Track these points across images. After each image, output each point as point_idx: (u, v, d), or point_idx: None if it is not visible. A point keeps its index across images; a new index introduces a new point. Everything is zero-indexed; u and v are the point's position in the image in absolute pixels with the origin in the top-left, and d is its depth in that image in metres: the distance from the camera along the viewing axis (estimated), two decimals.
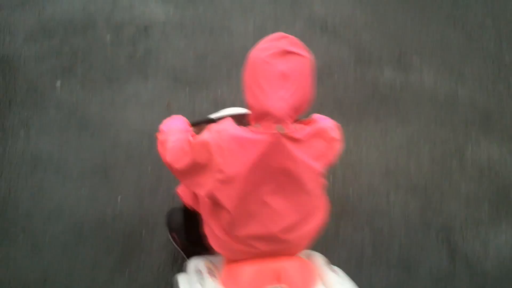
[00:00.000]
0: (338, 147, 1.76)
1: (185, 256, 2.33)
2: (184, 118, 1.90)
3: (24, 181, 2.61)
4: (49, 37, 3.31)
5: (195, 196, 1.94)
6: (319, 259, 1.87)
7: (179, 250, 2.38)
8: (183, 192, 2.05)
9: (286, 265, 1.72)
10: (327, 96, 3.23)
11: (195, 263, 1.90)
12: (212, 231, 1.81)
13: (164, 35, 3.46)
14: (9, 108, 2.82)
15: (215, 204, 1.72)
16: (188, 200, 2.01)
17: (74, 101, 2.92)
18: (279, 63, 1.56)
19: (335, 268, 1.84)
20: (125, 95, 3.01)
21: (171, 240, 2.42)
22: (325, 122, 1.71)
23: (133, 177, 2.66)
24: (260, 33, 3.70)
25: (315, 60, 3.49)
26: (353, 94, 3.28)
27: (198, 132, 1.77)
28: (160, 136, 1.84)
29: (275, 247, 1.76)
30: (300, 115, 1.61)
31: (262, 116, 1.58)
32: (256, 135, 1.59)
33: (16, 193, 2.56)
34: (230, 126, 1.62)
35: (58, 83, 2.99)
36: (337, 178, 2.74)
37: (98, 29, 3.44)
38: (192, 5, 3.80)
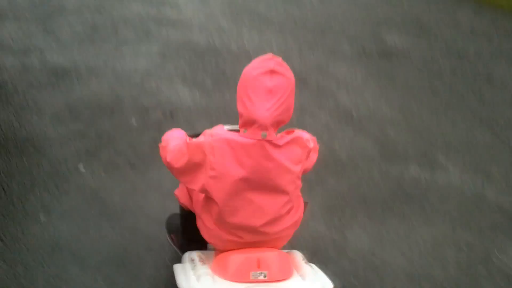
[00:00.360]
0: (313, 156, 2.16)
1: (181, 253, 2.50)
2: (183, 131, 2.22)
3: (40, 267, 2.56)
4: (75, 118, 3.33)
5: (190, 196, 2.28)
6: (297, 255, 2.16)
7: (176, 249, 2.62)
8: (180, 193, 2.35)
9: (266, 255, 1.99)
10: (351, 191, 3.17)
11: (189, 254, 2.20)
12: (204, 224, 2.11)
13: (189, 121, 3.46)
14: (31, 190, 2.79)
15: (207, 198, 2.05)
16: (184, 201, 2.32)
17: (96, 186, 2.90)
18: (267, 80, 1.86)
19: (311, 264, 2.09)
20: (147, 182, 2.98)
21: (169, 241, 2.67)
22: (302, 133, 2.02)
23: (151, 269, 2.60)
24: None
25: (340, 151, 3.47)
26: (378, 190, 3.23)
27: None
28: (162, 144, 2.16)
29: (257, 238, 2.04)
30: (282, 125, 1.90)
31: (249, 123, 1.88)
32: (244, 139, 1.88)
33: (32, 279, 2.51)
34: (221, 130, 1.93)
35: (81, 167, 2.98)
36: (360, 281, 2.66)
37: (124, 112, 3.46)
38: (219, 91, 3.83)
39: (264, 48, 4.59)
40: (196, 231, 2.19)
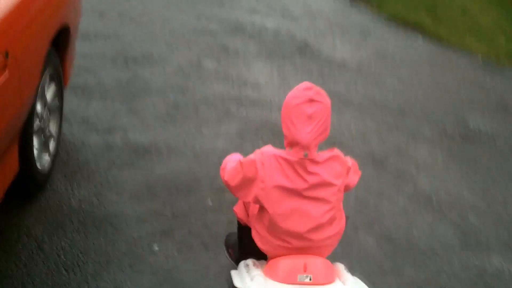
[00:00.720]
0: (355, 177, 2.49)
1: (235, 262, 2.88)
2: (239, 154, 2.59)
3: None
4: (153, 197, 3.39)
5: (246, 211, 2.65)
6: (340, 266, 2.43)
7: (233, 262, 2.91)
8: (238, 209, 2.71)
9: (312, 260, 2.30)
10: (430, 283, 3.05)
11: (244, 261, 2.52)
12: (257, 232, 2.44)
13: None
14: (105, 268, 2.83)
15: (260, 209, 2.40)
16: (241, 215, 2.69)
17: (169, 267, 2.91)
18: (307, 108, 2.23)
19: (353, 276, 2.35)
20: (220, 264, 2.97)
21: (227, 256, 3.00)
22: (340, 153, 2.37)
23: None
24: (363, 207, 3.64)
25: (418, 238, 3.36)
26: (457, 282, 3.09)
27: None
28: (222, 166, 2.55)
29: (304, 244, 2.33)
30: (321, 143, 2.27)
31: (294, 144, 2.26)
32: (289, 156, 2.26)
33: None
34: (270, 148, 2.33)
35: (156, 247, 3.01)
36: None
37: (201, 193, 3.50)
38: None
39: (342, 129, 4.58)
40: (251, 244, 2.49)
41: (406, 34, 6.71)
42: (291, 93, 2.31)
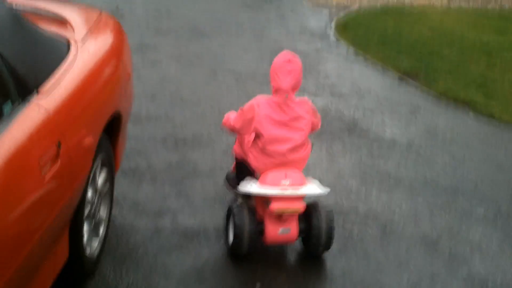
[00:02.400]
0: (317, 119, 3.69)
1: (235, 192, 4.03)
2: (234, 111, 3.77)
3: None
4: (201, 283, 3.39)
5: (241, 147, 3.80)
6: (309, 177, 3.71)
7: (233, 189, 4.10)
8: (236, 147, 3.92)
9: (290, 171, 3.52)
10: None
11: (245, 180, 3.68)
12: (253, 155, 3.60)
13: None
14: None
15: (256, 136, 3.57)
16: (239, 151, 3.86)
17: None
18: (287, 65, 3.47)
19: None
20: None
21: (226, 187, 4.28)
22: (308, 99, 3.63)
23: None
24: None
25: None
26: None
27: None
28: (224, 121, 3.83)
29: (285, 159, 3.53)
30: (296, 91, 3.53)
31: (278, 90, 3.47)
32: (275, 99, 3.49)
33: None
34: (262, 95, 3.57)
35: None
36: None
37: (250, 275, 3.48)
38: (345, 256, 3.76)
39: (392, 208, 4.51)
40: (245, 173, 3.72)
41: (457, 111, 6.64)
42: (276, 57, 3.54)
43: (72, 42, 3.30)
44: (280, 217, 3.49)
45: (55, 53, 3.05)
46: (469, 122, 6.39)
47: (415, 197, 4.73)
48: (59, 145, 2.59)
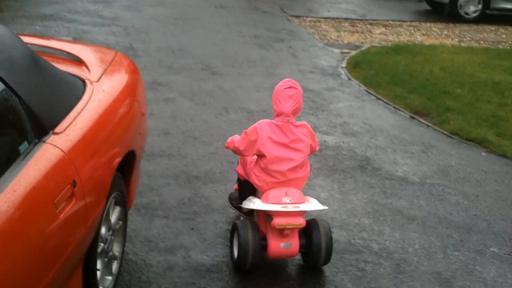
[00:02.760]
0: (315, 141, 4.01)
1: (238, 211, 4.40)
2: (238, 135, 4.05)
3: None
4: None
5: (243, 168, 4.14)
6: (308, 196, 3.99)
7: (235, 209, 4.46)
8: (238, 169, 4.25)
9: (291, 189, 3.82)
10: None
11: (248, 198, 4.01)
12: (256, 175, 3.89)
13: None
14: None
15: (258, 158, 3.87)
16: (241, 172, 4.19)
17: None
18: (288, 91, 3.78)
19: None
20: None
21: (230, 205, 4.58)
22: (308, 125, 3.96)
23: None
24: None
25: None
26: None
27: None
28: (227, 145, 4.12)
29: (285, 179, 3.81)
30: (297, 115, 3.85)
31: (280, 114, 3.80)
32: (277, 122, 3.80)
33: None
34: (265, 120, 3.86)
35: None
36: None
37: None
38: None
39: (405, 245, 4.50)
40: (248, 192, 4.08)
41: (469, 150, 6.65)
42: (278, 85, 3.88)
43: (87, 82, 3.36)
44: (282, 232, 3.77)
45: (71, 93, 3.11)
46: (481, 161, 6.38)
47: (429, 235, 4.71)
48: (74, 184, 2.63)
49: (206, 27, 11.07)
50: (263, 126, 3.79)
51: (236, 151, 3.96)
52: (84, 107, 3.07)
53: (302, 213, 3.79)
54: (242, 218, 4.22)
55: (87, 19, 10.49)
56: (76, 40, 8.93)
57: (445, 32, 12.83)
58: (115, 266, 3.49)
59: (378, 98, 8.10)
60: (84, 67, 3.62)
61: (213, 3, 13.21)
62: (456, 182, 5.78)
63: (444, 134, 7.03)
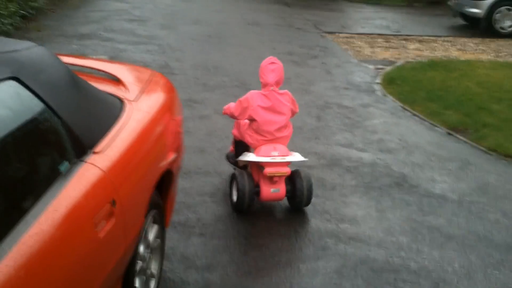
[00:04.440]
0: (295, 105, 4.98)
1: (235, 165, 5.30)
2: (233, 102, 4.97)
3: None
4: None
5: (239, 131, 5.03)
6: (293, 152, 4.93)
7: (233, 164, 5.35)
8: (234, 131, 5.16)
9: (278, 145, 4.76)
10: None
11: (243, 153, 4.96)
12: (248, 134, 4.86)
13: None
14: None
15: (250, 122, 4.83)
16: (237, 133, 5.09)
17: None
18: (270, 66, 4.75)
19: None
20: None
21: (228, 162, 5.52)
22: (289, 93, 4.92)
23: None
24: None
25: None
26: None
27: None
28: (225, 111, 5.10)
29: (273, 137, 4.77)
30: (280, 85, 4.79)
31: (265, 84, 4.76)
32: (264, 92, 4.76)
33: None
34: (254, 91, 4.80)
35: None
36: None
37: None
38: None
39: (444, 265, 4.42)
40: (242, 150, 5.01)
41: (508, 167, 6.52)
42: (263, 62, 4.79)
43: (125, 101, 3.40)
44: (271, 180, 4.74)
45: (109, 112, 3.15)
46: None
47: (468, 254, 4.63)
48: (113, 203, 2.65)
49: (241, 44, 11.13)
50: (253, 96, 4.75)
51: (232, 116, 4.92)
52: (123, 126, 3.10)
53: (287, 164, 4.76)
54: (238, 170, 5.02)
55: (123, 37, 10.63)
56: (112, 59, 9.06)
57: (481, 47, 12.68)
58: (153, 284, 3.50)
59: (414, 114, 8.02)
60: (122, 86, 3.66)
61: (247, 20, 13.29)
62: (495, 199, 5.67)
63: (482, 150, 6.92)
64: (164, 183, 3.62)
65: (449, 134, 7.39)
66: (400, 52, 11.76)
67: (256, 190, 4.79)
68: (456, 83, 9.44)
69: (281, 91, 4.79)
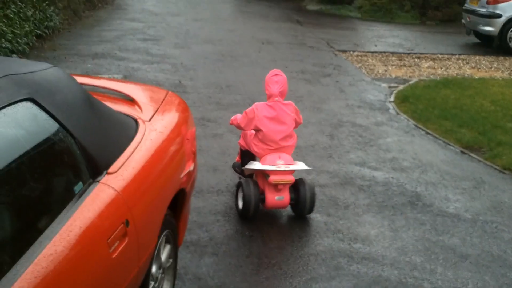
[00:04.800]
0: (299, 116, 5.21)
1: (241, 175, 5.54)
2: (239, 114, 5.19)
3: None
4: None
5: (244, 140, 5.28)
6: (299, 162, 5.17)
7: (239, 173, 5.62)
8: (241, 141, 5.39)
9: (283, 154, 4.98)
10: None
11: (249, 162, 5.16)
12: (254, 144, 5.07)
13: None
14: None
15: (256, 132, 5.05)
16: (243, 143, 5.33)
17: None
18: (275, 78, 5.02)
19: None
20: None
21: (235, 172, 5.74)
22: (293, 103, 5.16)
23: None
24: None
25: None
26: None
27: None
28: (232, 123, 5.28)
29: (278, 146, 5.00)
30: (284, 96, 5.06)
31: (270, 96, 5.03)
32: (269, 103, 5.01)
33: None
34: (259, 102, 5.06)
35: None
36: None
37: None
38: None
39: (459, 286, 4.39)
40: (249, 158, 5.23)
41: None
42: (268, 74, 5.06)
43: (140, 121, 3.43)
44: (276, 187, 4.94)
45: (124, 132, 3.17)
46: None
47: (482, 274, 4.60)
48: (127, 224, 2.66)
49: (253, 63, 11.18)
50: (258, 107, 4.99)
51: (238, 127, 5.14)
52: (137, 146, 3.13)
53: (291, 172, 4.96)
54: (244, 178, 5.27)
55: (137, 56, 10.72)
56: (126, 78, 9.13)
57: (495, 65, 12.65)
58: None
59: (428, 133, 8.00)
60: (136, 107, 3.69)
61: (260, 39, 13.35)
62: (510, 219, 5.63)
63: (497, 169, 6.88)
64: (178, 202, 3.63)
65: (463, 152, 7.36)
66: (414, 70, 11.76)
67: (261, 197, 4.99)
68: (470, 101, 9.41)
69: (286, 102, 5.03)
